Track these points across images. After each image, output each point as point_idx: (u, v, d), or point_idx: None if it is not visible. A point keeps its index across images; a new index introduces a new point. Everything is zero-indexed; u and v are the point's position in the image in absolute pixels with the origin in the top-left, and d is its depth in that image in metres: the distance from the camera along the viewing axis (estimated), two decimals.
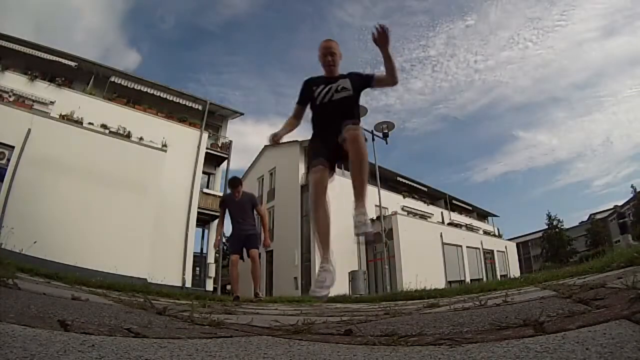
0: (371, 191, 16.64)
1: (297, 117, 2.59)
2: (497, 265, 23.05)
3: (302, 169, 17.04)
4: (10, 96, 11.42)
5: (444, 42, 67.24)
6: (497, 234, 27.92)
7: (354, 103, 2.48)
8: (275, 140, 2.46)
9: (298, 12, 74.06)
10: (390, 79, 2.47)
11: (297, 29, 79.78)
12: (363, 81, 2.50)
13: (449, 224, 22.49)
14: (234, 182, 4.95)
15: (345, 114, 2.39)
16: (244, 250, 4.78)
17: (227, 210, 4.92)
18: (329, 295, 2.17)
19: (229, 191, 5.07)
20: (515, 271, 22.39)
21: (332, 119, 2.39)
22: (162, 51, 71.52)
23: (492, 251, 23.32)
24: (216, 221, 15.71)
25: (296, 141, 17.78)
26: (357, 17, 66.58)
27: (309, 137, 2.60)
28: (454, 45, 69.81)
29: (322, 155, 2.31)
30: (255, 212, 4.95)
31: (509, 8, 62.85)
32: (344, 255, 15.42)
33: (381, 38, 2.28)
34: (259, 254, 4.91)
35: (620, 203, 36.72)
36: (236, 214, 4.84)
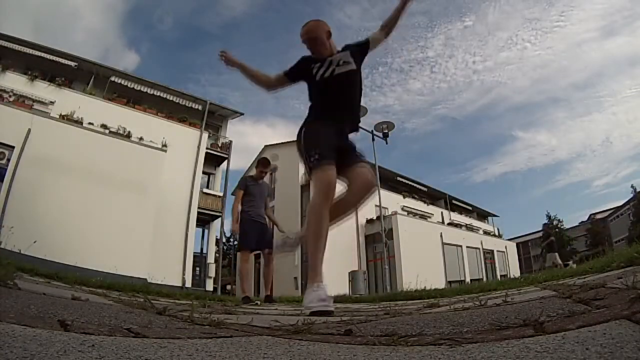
0: None
1: (275, 81, 2.30)
2: (497, 265, 23.05)
3: (302, 169, 17.04)
4: (10, 96, 11.42)
5: (442, 43, 67.33)
6: (497, 234, 27.92)
7: (359, 79, 2.26)
8: (225, 57, 2.26)
9: (297, 13, 74.15)
10: (384, 33, 2.34)
11: (296, 29, 79.64)
12: (361, 49, 2.32)
13: (449, 224, 22.49)
14: (265, 162, 4.70)
15: (353, 93, 2.22)
16: (258, 248, 4.51)
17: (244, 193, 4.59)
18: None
19: (251, 173, 4.75)
20: (515, 271, 22.38)
21: (339, 98, 2.17)
22: (162, 52, 71.68)
23: (492, 251, 23.32)
24: (217, 221, 15.76)
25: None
26: (355, 18, 66.65)
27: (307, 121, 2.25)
28: (453, 46, 69.95)
29: (333, 149, 1.99)
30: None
31: (507, 9, 62.98)
32: (344, 255, 15.43)
33: None
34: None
35: (619, 204, 36.78)
36: (255, 196, 4.55)
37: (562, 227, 39.83)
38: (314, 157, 1.95)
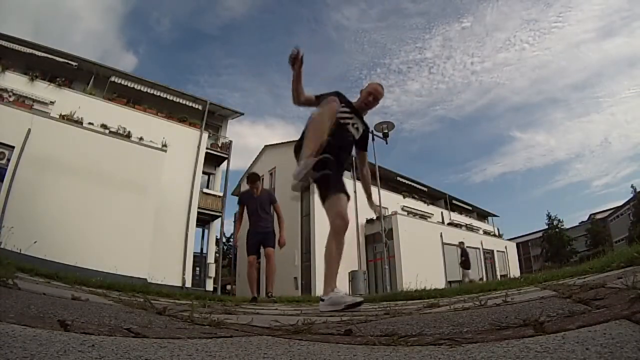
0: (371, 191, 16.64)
1: (306, 99, 2.51)
2: (497, 265, 23.05)
3: None
4: (10, 96, 11.42)
5: (440, 44, 67.54)
6: (497, 234, 27.91)
7: (351, 149, 2.68)
8: (298, 57, 2.30)
9: (295, 15, 74.36)
10: (359, 175, 2.88)
11: (294, 31, 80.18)
12: (362, 143, 2.74)
13: (449, 224, 22.49)
14: (253, 178, 4.82)
15: (347, 152, 2.62)
16: (261, 248, 4.72)
17: (245, 207, 4.80)
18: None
19: (246, 187, 4.94)
20: (515, 271, 22.38)
21: (338, 145, 2.49)
22: (161, 53, 71.76)
23: (492, 251, 23.32)
24: (217, 221, 15.75)
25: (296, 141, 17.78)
26: (353, 19, 66.77)
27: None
28: (450, 47, 70.14)
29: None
30: (272, 209, 4.83)
31: (505, 10, 63.10)
32: (344, 255, 15.39)
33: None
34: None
35: (619, 204, 36.78)
36: (255, 210, 4.71)
37: (562, 227, 39.80)
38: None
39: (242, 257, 20.28)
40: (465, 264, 12.30)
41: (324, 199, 2.46)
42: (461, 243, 12.73)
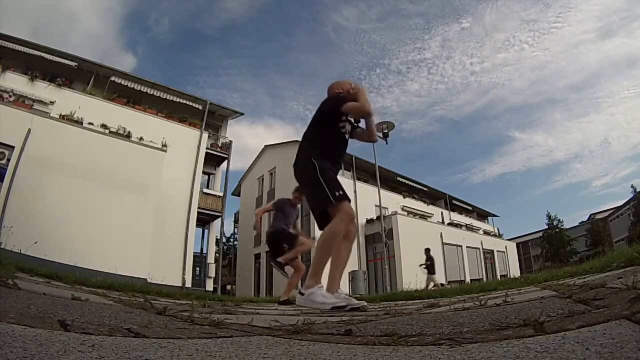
0: (371, 191, 16.67)
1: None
2: (497, 265, 23.05)
3: None
4: (10, 96, 11.42)
5: (439, 45, 67.56)
6: (497, 234, 27.91)
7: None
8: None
9: (294, 16, 74.40)
10: (368, 138, 2.73)
11: (293, 32, 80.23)
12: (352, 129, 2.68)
13: (449, 224, 22.49)
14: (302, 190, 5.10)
15: (342, 157, 2.60)
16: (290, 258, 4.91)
17: (275, 210, 5.11)
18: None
19: (286, 196, 5.25)
20: (515, 271, 22.39)
21: (340, 154, 2.53)
22: (160, 54, 71.79)
23: (492, 251, 23.33)
24: (217, 221, 15.77)
25: (296, 141, 17.80)
26: (352, 20, 66.78)
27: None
28: (450, 48, 70.11)
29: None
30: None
31: (504, 10, 62.97)
32: None
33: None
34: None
35: (618, 204, 36.78)
36: (287, 217, 5.04)
37: (562, 227, 39.77)
38: (338, 193, 2.26)
39: (242, 257, 20.28)
40: (430, 268, 12.49)
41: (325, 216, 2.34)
42: (427, 249, 13.01)
